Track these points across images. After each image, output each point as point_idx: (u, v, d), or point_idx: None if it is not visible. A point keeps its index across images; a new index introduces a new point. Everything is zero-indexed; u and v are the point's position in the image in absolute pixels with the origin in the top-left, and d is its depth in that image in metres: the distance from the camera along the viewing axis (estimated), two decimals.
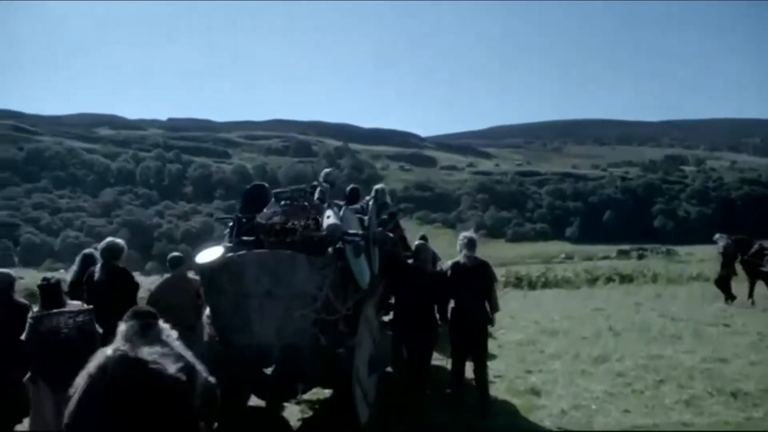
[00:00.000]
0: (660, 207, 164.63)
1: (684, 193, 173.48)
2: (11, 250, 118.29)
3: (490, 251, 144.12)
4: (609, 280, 19.18)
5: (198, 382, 3.31)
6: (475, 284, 6.72)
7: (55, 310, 5.22)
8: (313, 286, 5.44)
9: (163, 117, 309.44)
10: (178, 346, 3.42)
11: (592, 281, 18.76)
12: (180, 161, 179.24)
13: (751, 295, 13.05)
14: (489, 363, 7.87)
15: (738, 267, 13.39)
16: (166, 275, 7.87)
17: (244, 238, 6.15)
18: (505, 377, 7.82)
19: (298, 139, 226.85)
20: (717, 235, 14.26)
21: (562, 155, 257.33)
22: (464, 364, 6.82)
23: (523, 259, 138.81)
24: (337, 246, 5.72)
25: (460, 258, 6.90)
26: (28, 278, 15.96)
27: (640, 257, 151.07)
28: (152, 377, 3.14)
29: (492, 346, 8.17)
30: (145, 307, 3.72)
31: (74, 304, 5.49)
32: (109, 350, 3.27)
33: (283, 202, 6.15)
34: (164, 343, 3.34)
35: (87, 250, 9.87)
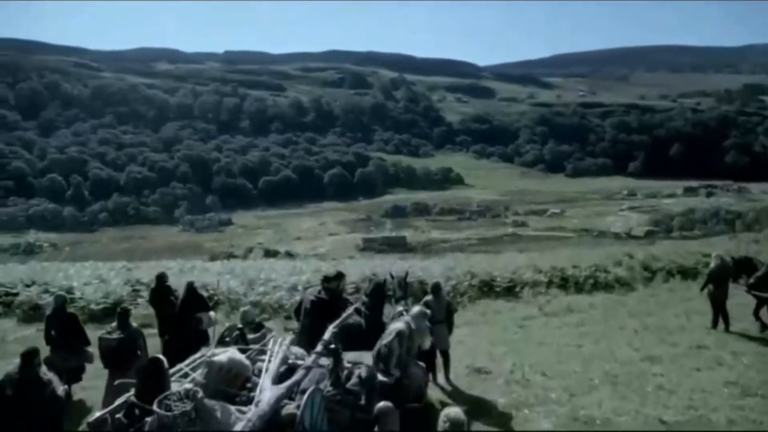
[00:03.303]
0: (734, 141, 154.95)
1: (762, 126, 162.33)
2: (82, 185, 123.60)
3: (549, 187, 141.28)
4: (669, 275, 17.40)
5: None
6: None
7: None
8: None
9: (219, 50, 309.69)
10: None
11: (649, 279, 17.09)
12: (237, 95, 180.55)
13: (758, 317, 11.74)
14: None
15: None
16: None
17: None
18: None
19: (353, 70, 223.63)
20: (714, 254, 13.02)
21: (629, 84, 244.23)
22: None
23: (583, 195, 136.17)
24: None
25: None
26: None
27: (709, 195, 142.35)
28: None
29: None
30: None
31: None
32: None
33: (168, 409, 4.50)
34: None
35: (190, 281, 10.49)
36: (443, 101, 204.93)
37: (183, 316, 9.66)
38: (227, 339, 5.64)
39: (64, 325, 9.00)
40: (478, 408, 8.14)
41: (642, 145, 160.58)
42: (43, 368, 6.34)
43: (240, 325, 5.91)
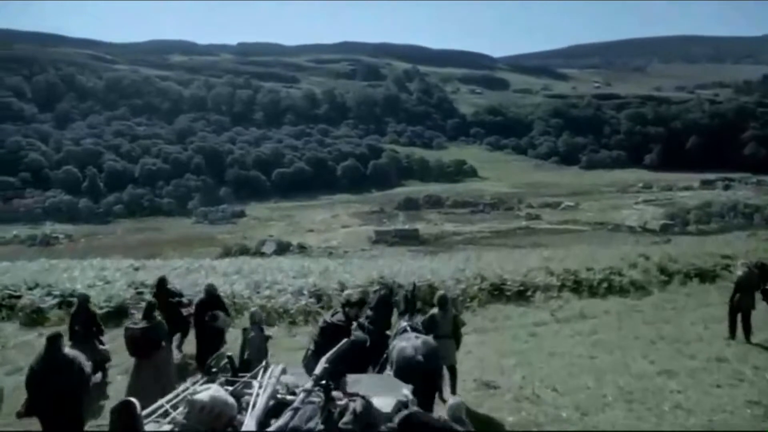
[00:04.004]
0: (753, 133, 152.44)
1: None
2: (97, 176, 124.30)
3: (563, 179, 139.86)
4: (686, 278, 16.86)
5: None
6: None
7: None
8: None
9: (233, 42, 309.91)
10: None
11: (665, 283, 16.57)
12: (250, 87, 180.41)
13: None
14: None
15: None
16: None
17: None
18: None
19: (366, 62, 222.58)
20: (739, 262, 12.48)
21: (645, 75, 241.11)
22: None
23: (598, 188, 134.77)
24: None
25: None
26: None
27: (726, 188, 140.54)
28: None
29: None
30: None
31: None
32: None
33: None
34: None
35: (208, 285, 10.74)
36: (457, 93, 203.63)
37: (200, 316, 10.00)
38: (214, 369, 5.30)
39: (86, 322, 9.60)
40: (485, 427, 7.81)
41: (658, 137, 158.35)
42: (67, 348, 7.12)
43: (229, 353, 5.56)
